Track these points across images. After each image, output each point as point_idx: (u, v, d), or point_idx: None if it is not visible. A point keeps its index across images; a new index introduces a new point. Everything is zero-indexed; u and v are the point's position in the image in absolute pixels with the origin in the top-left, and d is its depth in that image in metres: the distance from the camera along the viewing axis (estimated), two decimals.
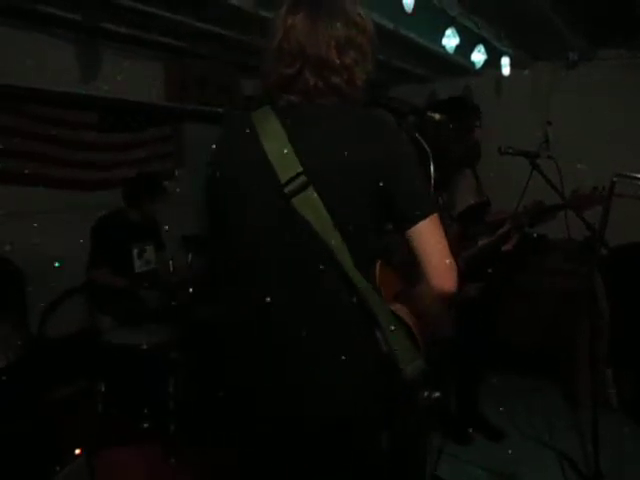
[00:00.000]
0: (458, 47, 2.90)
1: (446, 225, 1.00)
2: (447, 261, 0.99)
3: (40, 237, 2.59)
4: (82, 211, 2.73)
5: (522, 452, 2.47)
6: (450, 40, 2.84)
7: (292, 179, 0.96)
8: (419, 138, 1.23)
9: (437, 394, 1.06)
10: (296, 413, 1.02)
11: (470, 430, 2.61)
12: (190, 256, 2.80)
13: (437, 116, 1.73)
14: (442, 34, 2.84)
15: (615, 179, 2.60)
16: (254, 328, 1.05)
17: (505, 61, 3.43)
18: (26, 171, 2.96)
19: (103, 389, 2.40)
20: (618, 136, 3.42)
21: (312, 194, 0.95)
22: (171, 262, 2.75)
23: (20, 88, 2.76)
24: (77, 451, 1.89)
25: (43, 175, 3.08)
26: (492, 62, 3.32)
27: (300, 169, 0.96)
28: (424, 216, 0.98)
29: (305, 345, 1.00)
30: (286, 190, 0.96)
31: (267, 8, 2.46)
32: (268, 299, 1.01)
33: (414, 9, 2.38)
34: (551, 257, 3.45)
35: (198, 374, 2.44)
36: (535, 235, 3.44)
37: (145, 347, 2.37)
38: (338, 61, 0.99)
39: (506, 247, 2.25)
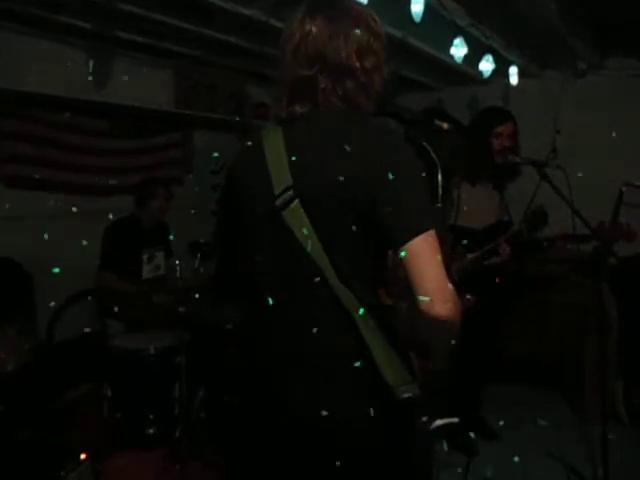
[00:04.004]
0: (466, 56, 2.90)
1: (441, 236, 0.97)
2: (441, 284, 0.90)
3: (49, 241, 2.61)
4: (92, 216, 2.75)
5: (530, 465, 2.44)
6: (458, 49, 2.85)
7: (282, 192, 0.97)
8: (427, 147, 1.23)
9: (440, 422, 1.01)
10: (290, 428, 1.00)
11: (472, 435, 2.59)
12: (197, 262, 2.81)
13: (445, 125, 1.73)
14: (450, 43, 2.85)
15: (624, 188, 2.59)
16: (256, 335, 1.07)
17: (513, 70, 3.43)
18: (37, 176, 2.99)
19: (109, 394, 2.40)
20: (627, 145, 3.40)
21: (298, 208, 0.95)
22: (178, 268, 2.77)
23: (34, 94, 2.81)
24: (82, 456, 1.89)
25: (54, 180, 3.12)
26: (500, 71, 3.32)
27: (290, 182, 0.96)
28: (417, 233, 0.90)
29: (298, 356, 0.99)
30: (277, 203, 0.97)
31: (277, 17, 2.49)
32: (268, 308, 1.02)
33: (423, 19, 2.40)
34: (559, 266, 3.43)
35: (204, 379, 2.44)
36: (545, 244, 3.42)
37: (152, 352, 2.38)
38: (359, 65, 0.99)
39: (500, 258, 2.24)
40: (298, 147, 0.98)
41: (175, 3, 2.48)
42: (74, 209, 3.05)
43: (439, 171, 1.23)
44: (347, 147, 0.93)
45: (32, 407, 2.14)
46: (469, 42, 2.85)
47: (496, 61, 3.17)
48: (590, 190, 2.19)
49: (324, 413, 0.94)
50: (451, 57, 2.92)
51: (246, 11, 2.47)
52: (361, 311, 0.94)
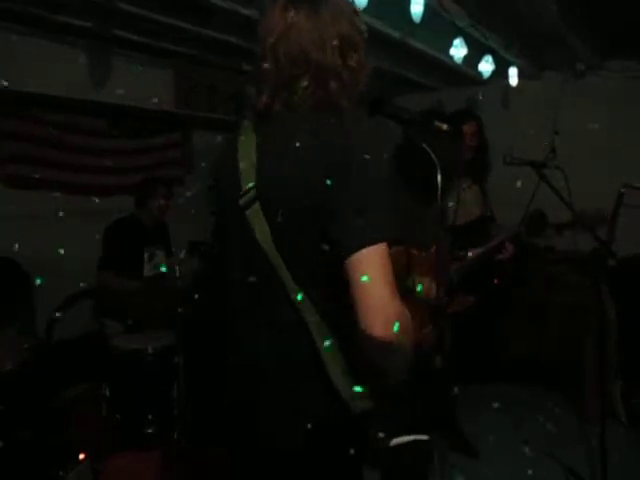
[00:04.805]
0: (466, 57, 2.91)
1: (439, 236, 0.93)
2: (383, 303, 0.82)
3: (49, 241, 2.61)
4: (91, 216, 2.76)
5: (528, 466, 2.44)
6: (458, 50, 2.85)
7: (246, 192, 0.95)
8: (427, 149, 1.23)
9: (405, 439, 0.97)
10: (252, 439, 1.00)
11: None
12: (196, 261, 2.82)
13: (444, 126, 1.73)
14: (450, 44, 2.85)
15: (623, 190, 2.60)
16: (228, 340, 1.06)
17: (513, 71, 3.43)
18: (37, 176, 3.00)
19: (108, 393, 2.40)
20: (626, 147, 3.40)
21: (257, 208, 0.93)
22: (177, 267, 2.77)
23: (33, 94, 2.80)
24: (81, 456, 1.89)
25: (54, 180, 3.12)
26: (500, 72, 3.32)
27: (252, 183, 0.95)
28: (365, 244, 0.83)
29: (257, 362, 0.98)
30: (241, 202, 0.95)
31: None
32: (234, 309, 1.02)
33: (423, 19, 2.40)
34: (558, 268, 3.43)
35: (201, 379, 2.44)
36: (543, 246, 3.43)
37: (150, 352, 2.38)
38: (341, 63, 0.94)
39: (503, 256, 2.24)
40: (267, 148, 0.96)
41: (175, 3, 2.48)
42: (72, 208, 3.06)
43: (438, 172, 1.23)
44: (310, 150, 0.88)
45: (31, 407, 2.13)
46: (469, 43, 2.85)
47: (496, 62, 3.18)
48: (589, 191, 2.19)
49: (281, 426, 0.93)
50: (451, 58, 2.93)
51: (246, 11, 2.48)
52: (314, 317, 0.91)
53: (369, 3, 2.19)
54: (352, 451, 0.92)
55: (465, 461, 2.47)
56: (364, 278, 0.82)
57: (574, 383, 2.98)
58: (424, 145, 1.24)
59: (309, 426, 0.91)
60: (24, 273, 2.76)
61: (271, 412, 0.96)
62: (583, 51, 3.30)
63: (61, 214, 2.80)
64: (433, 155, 1.23)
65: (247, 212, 0.94)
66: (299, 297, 0.91)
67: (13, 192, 2.93)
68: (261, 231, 0.93)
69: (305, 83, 0.93)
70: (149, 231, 2.88)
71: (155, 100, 3.40)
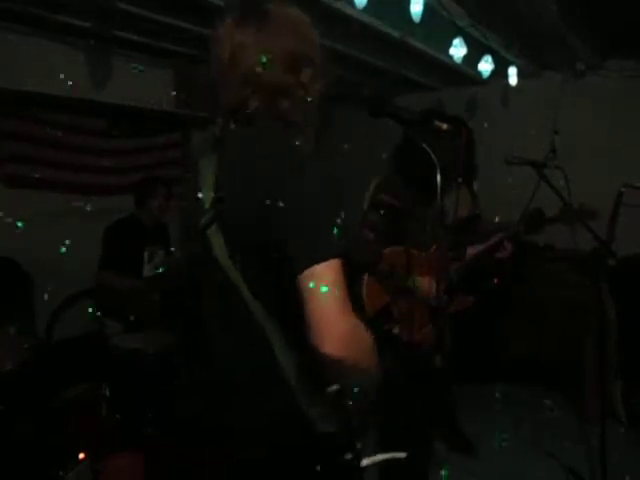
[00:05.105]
0: (466, 57, 2.91)
1: (439, 237, 0.91)
2: (332, 321, 0.80)
3: (49, 241, 2.61)
4: (92, 216, 2.76)
5: (528, 466, 2.44)
6: (458, 50, 2.85)
7: (206, 211, 0.95)
8: (427, 149, 1.23)
9: (379, 458, 0.93)
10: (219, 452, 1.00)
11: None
12: None
13: (445, 126, 1.73)
14: (450, 44, 2.85)
15: (623, 189, 2.60)
16: (201, 354, 1.08)
17: (512, 71, 3.44)
18: (37, 176, 3.00)
19: (108, 393, 2.40)
20: (626, 146, 3.40)
21: (216, 227, 0.94)
22: (177, 267, 2.77)
23: (32, 94, 2.81)
24: (81, 456, 1.89)
25: (54, 180, 3.13)
26: (499, 72, 3.32)
27: (211, 201, 0.95)
28: (313, 262, 0.81)
29: (229, 376, 0.99)
30: (202, 222, 0.95)
31: None
32: (203, 328, 1.03)
33: (422, 19, 2.40)
34: (558, 267, 3.43)
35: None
36: (542, 245, 3.43)
37: (150, 352, 2.38)
38: (294, 80, 0.94)
39: (502, 255, 2.24)
40: (224, 168, 0.96)
41: (175, 3, 2.48)
42: (72, 208, 3.06)
43: (438, 172, 1.23)
44: (258, 168, 0.88)
45: (31, 406, 2.14)
46: (468, 42, 2.85)
47: (495, 61, 3.18)
48: (589, 191, 2.18)
49: (245, 445, 0.93)
50: (450, 57, 2.93)
51: None
52: (277, 334, 0.91)
53: (368, 2, 2.19)
54: (318, 468, 0.91)
55: (465, 461, 2.47)
56: (314, 294, 0.81)
57: (574, 383, 2.98)
58: (424, 145, 1.24)
59: (274, 443, 0.91)
60: (24, 273, 2.76)
61: (242, 427, 0.95)
62: (583, 51, 3.30)
63: (59, 214, 2.81)
64: (433, 155, 1.23)
65: (208, 231, 0.95)
66: (259, 313, 0.91)
67: (13, 192, 2.93)
68: (220, 249, 0.93)
69: (255, 103, 0.93)
70: (149, 231, 2.88)
71: (155, 100, 3.40)
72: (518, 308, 3.32)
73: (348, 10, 2.38)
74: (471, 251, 2.18)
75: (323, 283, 0.81)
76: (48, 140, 3.10)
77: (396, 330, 1.88)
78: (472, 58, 3.03)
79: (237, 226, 0.91)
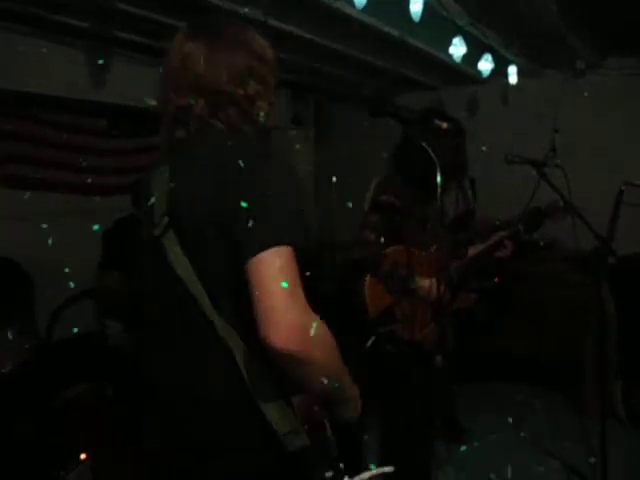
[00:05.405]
0: (465, 56, 2.91)
1: (439, 236, 0.90)
2: (280, 311, 0.76)
3: (49, 241, 2.61)
4: (92, 216, 2.76)
5: (528, 463, 2.44)
6: (457, 49, 2.85)
7: (160, 219, 0.94)
8: (426, 147, 1.23)
9: (366, 475, 0.89)
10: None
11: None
12: None
13: (444, 125, 1.73)
14: (449, 43, 2.85)
15: (623, 187, 2.59)
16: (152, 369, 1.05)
17: (512, 70, 3.43)
18: (37, 176, 3.00)
19: (109, 393, 2.40)
20: (626, 145, 3.40)
21: (172, 235, 0.93)
22: None
23: (33, 94, 2.81)
24: (82, 456, 1.89)
25: (54, 180, 3.12)
26: (499, 71, 3.32)
27: (164, 209, 0.94)
28: (262, 248, 0.79)
29: (179, 395, 0.95)
30: (156, 232, 0.94)
31: (276, 17, 2.49)
32: (157, 345, 1.01)
33: (422, 18, 2.40)
34: (558, 267, 3.43)
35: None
36: (542, 243, 3.42)
37: None
38: (240, 92, 0.96)
39: (502, 254, 2.24)
40: (176, 176, 0.96)
41: (175, 3, 2.48)
42: (72, 208, 3.07)
43: (438, 170, 1.23)
44: (210, 174, 0.88)
45: (31, 406, 2.14)
46: (468, 41, 2.85)
47: (495, 60, 3.18)
48: (589, 189, 2.18)
49: (212, 464, 0.89)
50: (450, 56, 2.93)
51: (245, 10, 2.47)
52: (239, 344, 0.87)
53: (368, 2, 2.19)
54: None
55: (465, 461, 2.47)
56: (261, 281, 0.78)
57: (574, 383, 2.98)
58: (424, 144, 1.24)
59: (243, 465, 0.87)
60: (24, 273, 2.76)
61: (201, 454, 0.90)
62: (583, 49, 3.29)
63: (59, 214, 2.81)
64: (433, 154, 1.23)
65: (162, 240, 0.94)
66: (219, 322, 0.87)
67: (13, 192, 2.93)
68: (176, 256, 0.91)
69: (201, 112, 0.96)
70: None
71: (155, 100, 3.39)
72: (518, 308, 3.32)
73: (348, 10, 2.38)
74: (472, 250, 2.18)
75: (270, 270, 0.78)
76: (48, 140, 3.10)
77: (399, 331, 1.88)
78: (472, 57, 3.03)
79: (194, 231, 0.90)
